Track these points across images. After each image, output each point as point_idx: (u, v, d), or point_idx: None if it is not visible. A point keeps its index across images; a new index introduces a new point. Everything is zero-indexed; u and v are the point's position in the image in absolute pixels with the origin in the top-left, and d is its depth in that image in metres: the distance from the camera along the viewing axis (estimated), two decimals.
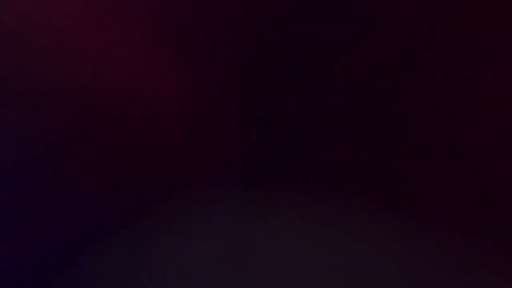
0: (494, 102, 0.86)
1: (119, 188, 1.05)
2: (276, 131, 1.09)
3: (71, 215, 1.02)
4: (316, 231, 0.99)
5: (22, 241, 0.97)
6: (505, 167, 0.85)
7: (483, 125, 0.87)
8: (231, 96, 1.06)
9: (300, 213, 1.01)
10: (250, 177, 1.10)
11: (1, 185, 0.95)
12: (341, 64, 1.02)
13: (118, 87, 1.01)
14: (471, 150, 0.87)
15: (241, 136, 1.09)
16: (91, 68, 0.97)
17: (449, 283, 0.83)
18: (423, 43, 0.93)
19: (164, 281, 0.89)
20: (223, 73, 1.05)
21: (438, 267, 0.86)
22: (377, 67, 1.00)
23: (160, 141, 1.07)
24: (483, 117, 0.88)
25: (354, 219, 0.98)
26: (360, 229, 0.95)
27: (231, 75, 1.05)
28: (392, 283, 0.83)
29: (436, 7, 0.90)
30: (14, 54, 0.88)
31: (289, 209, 1.03)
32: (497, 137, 0.86)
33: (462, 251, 0.86)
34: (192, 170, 1.08)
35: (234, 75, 1.05)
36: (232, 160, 1.10)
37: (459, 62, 0.92)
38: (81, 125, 0.99)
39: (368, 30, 0.97)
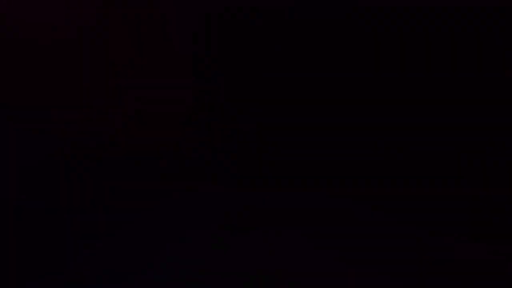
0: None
1: (114, 188, 1.04)
2: (271, 129, 1.09)
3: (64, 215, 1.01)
4: (315, 231, 0.99)
5: (21, 239, 0.96)
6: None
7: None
8: (224, 93, 1.06)
9: (297, 212, 1.01)
10: (246, 175, 1.09)
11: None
12: (338, 61, 1.02)
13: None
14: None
15: (236, 133, 1.08)
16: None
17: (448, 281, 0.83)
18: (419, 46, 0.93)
19: (160, 281, 0.89)
20: (215, 70, 1.04)
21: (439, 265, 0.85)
22: (376, 63, 0.99)
23: (156, 140, 1.07)
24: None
25: (354, 218, 0.98)
26: (360, 229, 0.95)
27: (224, 72, 1.04)
28: (392, 282, 0.83)
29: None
30: None
31: (286, 208, 1.02)
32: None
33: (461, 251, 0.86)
34: (188, 169, 1.08)
35: (227, 72, 1.05)
36: (227, 157, 1.10)
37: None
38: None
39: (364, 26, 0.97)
